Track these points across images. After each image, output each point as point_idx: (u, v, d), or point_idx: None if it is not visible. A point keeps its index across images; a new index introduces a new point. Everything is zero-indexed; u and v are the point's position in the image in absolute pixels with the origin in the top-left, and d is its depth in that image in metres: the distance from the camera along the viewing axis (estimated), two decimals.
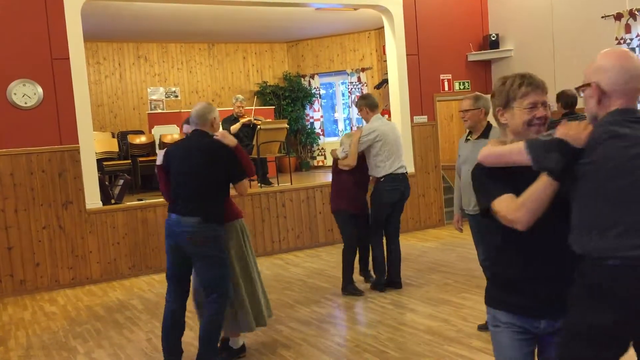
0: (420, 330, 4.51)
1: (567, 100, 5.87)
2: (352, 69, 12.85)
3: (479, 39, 9.40)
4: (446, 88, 9.27)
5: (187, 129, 4.21)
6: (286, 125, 8.93)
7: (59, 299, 6.35)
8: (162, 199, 7.83)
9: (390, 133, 5.57)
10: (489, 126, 4.22)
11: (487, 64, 9.51)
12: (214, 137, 3.92)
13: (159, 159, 4.00)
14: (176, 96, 12.48)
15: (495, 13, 9.35)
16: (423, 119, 9.05)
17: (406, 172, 5.73)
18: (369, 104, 5.63)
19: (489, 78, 9.56)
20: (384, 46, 11.92)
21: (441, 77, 9.22)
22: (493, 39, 9.20)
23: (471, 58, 9.35)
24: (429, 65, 9.06)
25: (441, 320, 4.68)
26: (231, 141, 3.87)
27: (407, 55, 8.90)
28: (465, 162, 4.23)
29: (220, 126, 4.44)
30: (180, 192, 3.82)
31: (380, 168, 5.50)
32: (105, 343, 4.76)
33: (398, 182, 5.56)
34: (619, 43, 7.43)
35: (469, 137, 4.30)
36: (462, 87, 9.37)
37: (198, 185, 3.78)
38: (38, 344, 4.87)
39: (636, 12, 7.25)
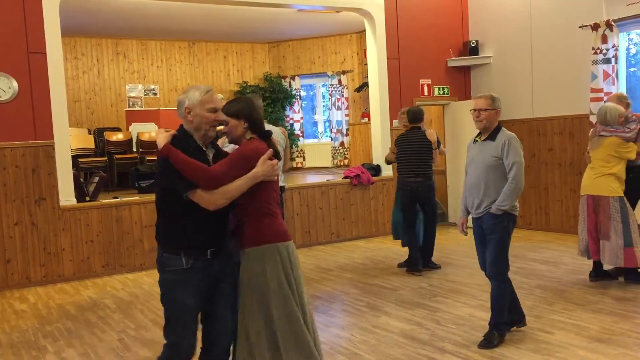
0: (394, 333, 4.52)
1: (412, 116, 6.56)
2: (333, 72, 12.88)
3: (459, 45, 9.48)
4: (426, 93, 9.33)
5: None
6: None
7: (30, 296, 6.25)
8: (138, 197, 7.76)
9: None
10: (498, 127, 4.14)
11: (466, 70, 9.59)
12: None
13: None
14: (155, 94, 12.38)
15: (476, 20, 9.44)
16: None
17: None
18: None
19: (469, 84, 9.64)
20: (365, 49, 11.97)
21: (421, 82, 9.28)
22: (473, 45, 9.28)
23: (451, 64, 9.43)
24: (409, 70, 9.11)
25: (415, 324, 4.70)
26: (160, 140, 2.86)
27: (387, 59, 8.94)
28: (470, 164, 4.19)
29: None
30: None
31: None
32: (76, 342, 4.68)
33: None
34: (595, 53, 7.54)
35: (477, 139, 4.21)
36: (441, 92, 9.44)
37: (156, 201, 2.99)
38: (7, 342, 4.77)
39: (612, 23, 7.37)
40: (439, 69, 9.41)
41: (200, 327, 2.99)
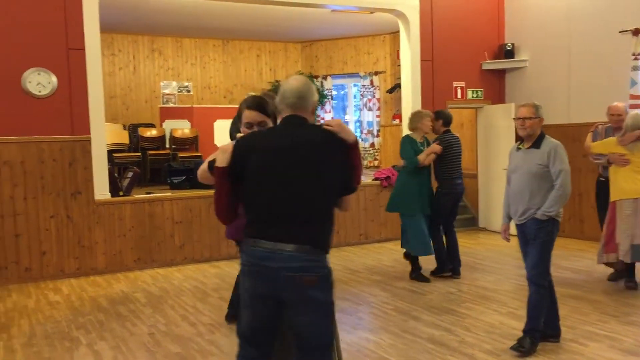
0: (422, 338, 4.49)
1: (448, 119, 6.55)
2: (365, 72, 12.84)
3: (495, 47, 9.37)
4: (459, 95, 9.24)
5: (254, 117, 2.94)
6: None
7: (64, 288, 6.38)
8: (170, 193, 7.87)
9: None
10: (542, 135, 4.15)
11: (501, 73, 9.47)
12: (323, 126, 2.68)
13: (222, 158, 2.58)
14: (188, 91, 12.52)
15: (512, 23, 9.31)
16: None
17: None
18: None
19: (503, 87, 9.52)
20: (398, 50, 11.91)
21: (454, 85, 9.19)
22: (508, 48, 9.16)
23: (485, 67, 9.32)
24: (442, 72, 9.04)
25: (444, 330, 4.66)
26: (350, 134, 2.65)
27: (421, 60, 8.89)
28: (515, 171, 4.20)
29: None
30: (275, 208, 2.53)
31: None
32: (107, 335, 4.77)
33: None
34: (636, 58, 7.38)
35: (520, 146, 4.22)
36: (475, 95, 9.34)
37: (309, 198, 2.52)
38: (41, 332, 4.89)
39: None
40: (473, 72, 9.31)
41: None
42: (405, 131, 9.09)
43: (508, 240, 4.39)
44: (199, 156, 10.03)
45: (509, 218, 4.34)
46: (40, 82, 6.68)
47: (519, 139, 4.30)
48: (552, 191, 4.04)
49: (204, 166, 2.77)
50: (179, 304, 5.63)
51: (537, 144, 4.13)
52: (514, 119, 4.26)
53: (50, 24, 6.71)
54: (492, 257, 7.46)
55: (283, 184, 2.50)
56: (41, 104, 6.71)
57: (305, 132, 2.59)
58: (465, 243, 8.39)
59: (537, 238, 4.06)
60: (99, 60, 7.05)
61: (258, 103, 2.85)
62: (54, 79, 6.75)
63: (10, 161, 6.58)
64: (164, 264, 7.30)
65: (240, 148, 2.57)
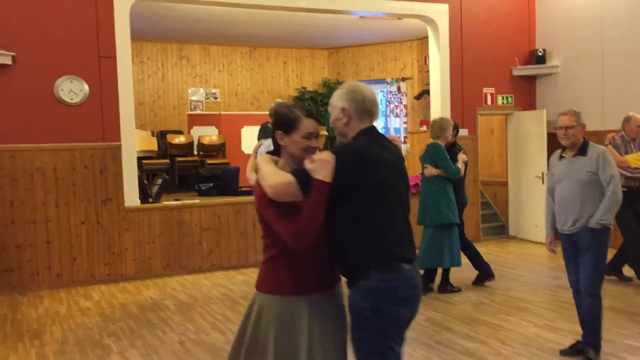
0: (456, 350, 4.40)
1: (457, 128, 6.33)
2: (392, 78, 12.77)
3: (525, 53, 9.22)
4: (489, 102, 9.11)
5: (315, 126, 2.42)
6: (326, 132, 8.90)
7: (94, 294, 6.42)
8: (198, 200, 7.88)
9: None
10: (586, 142, 4.06)
11: (532, 79, 9.32)
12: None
13: (326, 172, 2.20)
14: (216, 98, 12.58)
15: (543, 28, 9.16)
16: (464, 132, 8.89)
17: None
18: None
19: (534, 93, 9.37)
20: (425, 56, 11.81)
21: (484, 91, 9.07)
22: (540, 54, 9.01)
23: (516, 73, 9.18)
24: (472, 78, 8.92)
25: (478, 342, 4.56)
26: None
27: (450, 66, 8.79)
28: (561, 180, 4.10)
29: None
30: (404, 227, 2.40)
31: None
32: (138, 343, 4.77)
33: None
34: None
35: (563, 155, 4.12)
36: (505, 101, 9.21)
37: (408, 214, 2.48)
38: (73, 339, 4.91)
39: None
40: (503, 78, 9.18)
41: None
42: None
43: (554, 252, 4.27)
44: (227, 163, 10.06)
45: (554, 229, 4.23)
46: (72, 89, 6.76)
47: (559, 146, 4.18)
48: (602, 198, 3.94)
49: (286, 179, 2.23)
50: (208, 312, 5.62)
51: (582, 151, 4.03)
52: (555, 128, 4.13)
53: (83, 33, 6.79)
54: (524, 266, 7.32)
55: (402, 201, 2.41)
56: (73, 112, 6.78)
57: (393, 147, 2.50)
58: (496, 252, 8.25)
59: (591, 248, 3.96)
60: (129, 68, 7.11)
61: (313, 112, 2.61)
62: (86, 86, 6.82)
63: (43, 168, 6.66)
64: (192, 270, 7.31)
65: (353, 161, 2.26)
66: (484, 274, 6.30)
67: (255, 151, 4.46)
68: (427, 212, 5.91)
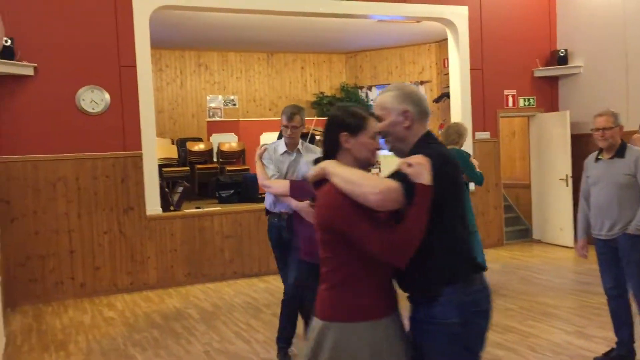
0: (486, 358, 4.30)
1: None
2: (411, 82, 12.68)
3: (547, 54, 9.09)
4: (510, 104, 9.00)
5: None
6: None
7: (117, 303, 6.42)
8: (219, 208, 7.86)
9: None
10: (623, 144, 3.94)
11: (554, 80, 9.18)
12: None
13: (426, 175, 2.03)
14: (234, 104, 12.60)
15: (565, 28, 9.03)
16: (485, 135, 8.81)
17: None
18: None
19: (556, 95, 9.23)
20: (444, 59, 11.72)
21: (505, 93, 8.96)
22: (561, 54, 8.88)
23: (537, 74, 9.05)
24: (493, 80, 8.82)
25: (508, 349, 4.47)
26: None
27: (470, 69, 8.69)
28: (597, 183, 3.99)
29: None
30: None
31: None
32: (163, 353, 4.75)
33: None
34: None
35: (600, 157, 4.01)
36: (527, 103, 9.08)
37: None
38: (98, 349, 4.90)
39: None
40: (524, 80, 9.06)
41: None
42: None
43: (585, 257, 4.17)
44: (247, 169, 10.05)
45: (587, 233, 4.12)
46: (93, 99, 6.79)
47: (584, 148, 4.09)
48: None
49: (391, 184, 2.01)
50: (231, 321, 5.59)
51: (620, 153, 3.90)
52: (591, 130, 4.01)
53: (103, 43, 6.82)
54: (550, 270, 7.19)
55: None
56: (95, 121, 6.81)
57: None
58: (520, 256, 8.13)
59: (631, 256, 3.85)
60: (149, 77, 7.13)
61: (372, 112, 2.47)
62: (107, 96, 6.85)
63: (65, 178, 6.69)
64: (214, 278, 7.29)
65: (445, 167, 2.09)
66: None
67: (261, 156, 4.23)
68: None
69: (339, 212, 2.01)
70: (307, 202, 4.10)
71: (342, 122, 2.15)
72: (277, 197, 4.22)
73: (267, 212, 4.50)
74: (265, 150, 4.27)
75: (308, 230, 4.16)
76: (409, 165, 2.02)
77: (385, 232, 1.98)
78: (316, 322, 2.13)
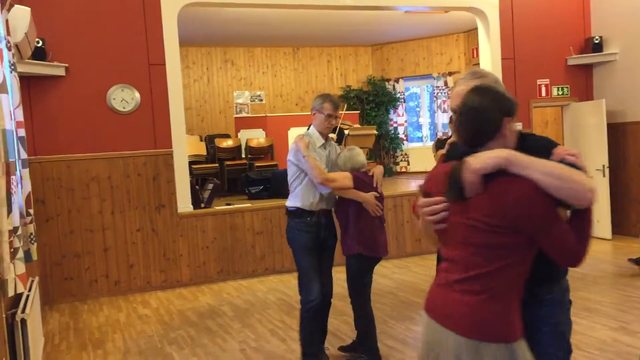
0: None
1: None
2: (439, 73, 12.51)
3: (581, 41, 8.86)
4: (543, 94, 8.80)
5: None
6: (375, 132, 8.75)
7: (152, 301, 6.45)
8: (249, 204, 7.82)
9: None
10: None
11: (588, 69, 8.95)
12: None
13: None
14: (261, 100, 12.58)
15: (599, 14, 8.78)
16: (518, 126, 8.59)
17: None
18: None
19: (590, 83, 8.99)
20: (473, 49, 11.53)
21: (538, 82, 8.76)
22: (596, 41, 8.64)
23: (571, 62, 8.83)
24: (525, 70, 8.62)
25: None
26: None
27: (502, 59, 8.51)
28: None
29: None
30: None
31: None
32: (199, 351, 4.74)
33: None
34: None
35: None
36: (560, 92, 8.87)
37: None
38: (135, 348, 4.92)
39: None
40: (557, 68, 8.84)
41: None
42: None
43: None
44: (275, 165, 10.02)
45: None
46: (124, 98, 6.81)
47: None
48: None
49: (592, 181, 1.89)
50: (266, 318, 5.56)
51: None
52: None
53: (132, 41, 6.83)
54: (589, 263, 7.00)
55: None
56: (125, 120, 6.84)
57: None
58: None
59: None
60: (179, 74, 7.12)
61: None
62: (137, 94, 6.87)
63: (98, 177, 6.73)
64: (246, 275, 7.28)
65: None
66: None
67: (307, 147, 3.96)
68: None
69: (540, 210, 1.79)
70: (373, 193, 4.03)
71: (504, 107, 1.92)
72: (332, 192, 4.01)
73: (300, 211, 4.09)
74: (308, 142, 4.03)
75: (369, 223, 4.11)
76: (576, 155, 1.89)
77: (572, 233, 1.82)
78: (457, 340, 1.86)
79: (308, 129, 4.35)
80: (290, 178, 4.13)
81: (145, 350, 4.84)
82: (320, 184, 3.95)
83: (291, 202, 4.14)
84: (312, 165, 3.92)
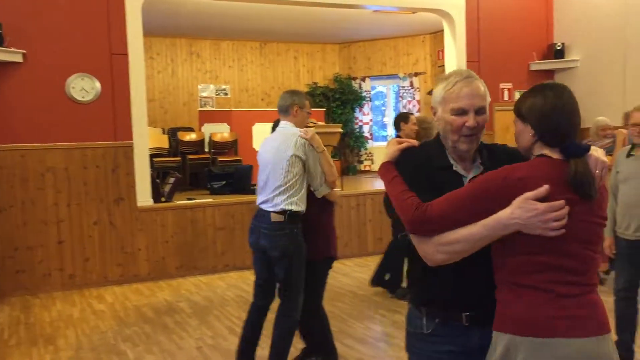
0: None
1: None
2: (405, 73, 12.59)
3: (543, 47, 9.03)
4: (506, 97, 8.94)
5: None
6: (340, 130, 8.73)
7: (107, 296, 6.31)
8: (211, 199, 7.73)
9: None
10: None
11: (550, 74, 9.12)
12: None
13: None
14: (226, 94, 12.45)
15: (562, 21, 8.96)
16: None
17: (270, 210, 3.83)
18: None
19: None
20: (439, 51, 11.64)
21: (501, 86, 8.90)
22: (558, 48, 8.82)
23: (534, 67, 8.99)
24: (489, 73, 8.69)
25: None
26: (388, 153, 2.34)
27: (467, 61, 8.60)
28: (626, 181, 3.83)
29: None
30: None
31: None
32: (155, 349, 4.65)
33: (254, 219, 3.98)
34: None
35: (632, 153, 3.87)
36: None
37: None
38: (87, 345, 4.79)
39: None
40: (520, 73, 8.99)
41: None
42: None
43: (612, 257, 4.01)
44: (239, 160, 9.93)
45: (614, 231, 3.94)
46: (84, 87, 6.63)
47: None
48: None
49: None
50: (224, 315, 5.50)
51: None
52: (629, 124, 3.83)
53: (94, 30, 6.65)
54: None
55: None
56: (85, 110, 6.66)
57: None
58: None
59: None
60: (142, 65, 6.98)
61: None
62: (98, 84, 6.69)
63: (55, 167, 6.54)
64: (206, 271, 7.19)
65: None
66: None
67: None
68: None
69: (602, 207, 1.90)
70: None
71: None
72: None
73: (296, 215, 3.72)
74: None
75: (332, 224, 4.01)
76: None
77: None
78: (610, 338, 1.81)
79: (275, 126, 4.10)
80: (290, 177, 3.69)
81: (99, 347, 4.72)
82: (333, 183, 3.81)
83: (295, 205, 3.70)
84: (330, 161, 3.74)
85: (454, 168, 1.96)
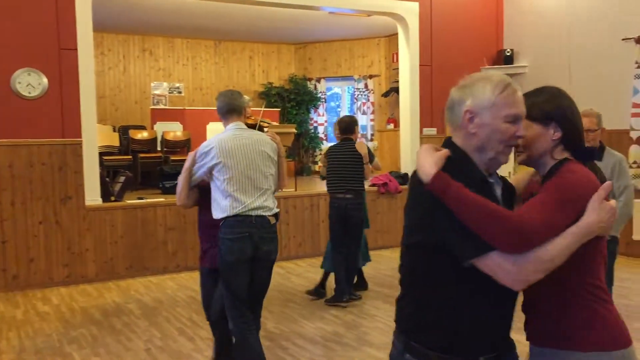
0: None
1: (344, 127, 5.82)
2: (360, 75, 12.70)
3: (494, 53, 9.26)
4: None
5: None
6: (294, 130, 8.74)
7: (53, 297, 6.13)
8: (163, 199, 7.61)
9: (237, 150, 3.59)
10: (602, 147, 3.81)
11: None
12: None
13: None
14: (179, 92, 12.28)
15: (511, 28, 9.21)
16: (432, 131, 8.89)
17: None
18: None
19: None
20: (393, 54, 11.79)
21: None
22: (507, 54, 9.06)
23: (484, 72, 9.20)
24: (441, 77, 8.90)
25: None
26: (427, 164, 2.15)
27: (420, 65, 8.75)
28: None
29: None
30: None
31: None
32: (101, 351, 4.54)
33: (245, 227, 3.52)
34: (639, 67, 7.30)
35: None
36: None
37: None
38: (31, 347, 4.65)
39: None
40: None
41: None
42: (405, 136, 8.97)
43: None
44: None
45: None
46: (30, 83, 6.43)
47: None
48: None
49: None
50: (174, 316, 5.42)
51: (598, 156, 3.64)
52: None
53: (42, 24, 6.46)
54: None
55: None
56: (31, 106, 6.46)
57: None
58: None
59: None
60: (91, 61, 6.82)
61: None
62: (45, 80, 6.50)
63: None
64: (156, 271, 7.07)
65: None
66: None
67: None
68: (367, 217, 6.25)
69: None
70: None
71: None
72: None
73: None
74: None
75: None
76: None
77: None
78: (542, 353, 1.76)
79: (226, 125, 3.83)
80: (270, 177, 3.66)
81: (43, 350, 4.59)
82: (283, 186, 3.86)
83: (274, 204, 3.67)
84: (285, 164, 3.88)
85: (491, 180, 1.78)
